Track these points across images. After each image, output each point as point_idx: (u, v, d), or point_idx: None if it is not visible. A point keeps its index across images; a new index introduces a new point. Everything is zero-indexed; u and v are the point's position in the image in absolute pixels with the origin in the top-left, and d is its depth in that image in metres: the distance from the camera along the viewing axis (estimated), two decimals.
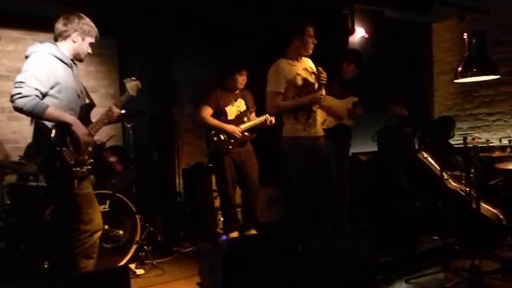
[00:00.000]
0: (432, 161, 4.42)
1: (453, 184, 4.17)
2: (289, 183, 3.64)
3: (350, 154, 4.68)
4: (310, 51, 3.63)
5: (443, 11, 5.54)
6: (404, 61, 5.99)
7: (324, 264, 2.83)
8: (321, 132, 3.69)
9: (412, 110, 4.73)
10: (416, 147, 5.22)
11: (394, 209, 4.23)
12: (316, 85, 3.57)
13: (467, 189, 3.74)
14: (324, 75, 3.50)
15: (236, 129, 4.11)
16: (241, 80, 4.22)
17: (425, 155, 4.48)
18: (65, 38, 2.71)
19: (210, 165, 4.77)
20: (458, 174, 4.23)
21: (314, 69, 3.67)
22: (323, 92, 3.55)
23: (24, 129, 4.40)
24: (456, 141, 5.54)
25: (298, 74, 3.59)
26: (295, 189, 3.60)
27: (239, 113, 4.25)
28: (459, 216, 3.88)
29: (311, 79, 3.63)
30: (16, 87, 2.44)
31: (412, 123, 5.23)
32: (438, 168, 4.28)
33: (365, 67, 4.87)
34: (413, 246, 3.72)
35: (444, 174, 4.09)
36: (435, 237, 3.89)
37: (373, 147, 5.09)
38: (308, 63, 3.73)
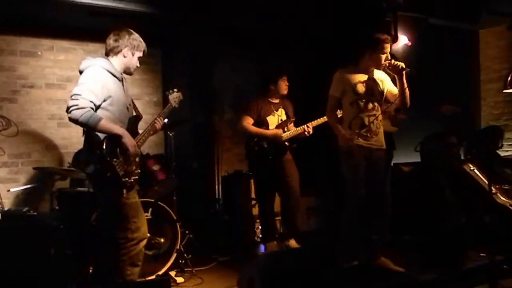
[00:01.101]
0: (479, 174, 4.27)
1: (501, 198, 4.01)
2: (337, 192, 3.62)
3: (392, 164, 4.58)
4: (382, 67, 3.55)
5: (490, 17, 5.34)
6: (449, 69, 5.82)
7: (364, 282, 2.77)
8: (379, 145, 3.59)
9: (458, 119, 4.59)
10: (462, 158, 5.05)
11: (439, 223, 4.10)
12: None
13: None
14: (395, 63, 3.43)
15: (278, 131, 4.11)
16: (284, 86, 4.22)
17: (472, 167, 4.33)
18: (116, 53, 2.80)
19: (249, 173, 4.79)
20: (508, 188, 4.07)
21: (382, 79, 3.60)
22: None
23: (73, 136, 4.59)
24: (505, 152, 5.32)
25: (361, 82, 3.56)
26: (343, 198, 3.57)
27: (280, 122, 4.25)
28: (508, 232, 3.72)
29: (376, 89, 3.58)
30: (73, 99, 2.54)
31: (458, 132, 5.06)
32: (486, 181, 4.13)
33: (408, 75, 4.76)
34: (458, 263, 3.59)
35: (493, 187, 3.94)
36: (482, 254, 3.74)
37: (416, 158, 4.96)
38: (377, 74, 3.63)
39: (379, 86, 3.60)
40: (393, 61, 3.47)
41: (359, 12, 4.94)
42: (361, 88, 3.55)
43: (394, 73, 3.51)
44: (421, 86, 5.33)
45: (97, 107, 2.62)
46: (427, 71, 5.49)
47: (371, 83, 3.58)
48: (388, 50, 3.52)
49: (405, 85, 3.49)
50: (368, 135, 3.54)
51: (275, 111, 4.25)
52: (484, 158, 4.55)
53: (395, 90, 3.59)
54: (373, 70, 3.62)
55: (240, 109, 4.44)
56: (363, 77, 3.58)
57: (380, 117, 3.59)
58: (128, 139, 2.64)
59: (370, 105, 3.56)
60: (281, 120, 4.26)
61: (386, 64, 3.48)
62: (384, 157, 3.67)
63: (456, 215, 4.18)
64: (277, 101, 4.30)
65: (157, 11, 4.16)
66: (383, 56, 3.50)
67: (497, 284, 3.25)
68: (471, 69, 6.48)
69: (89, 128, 2.60)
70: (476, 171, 4.27)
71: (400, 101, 3.57)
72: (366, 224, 3.59)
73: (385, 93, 3.62)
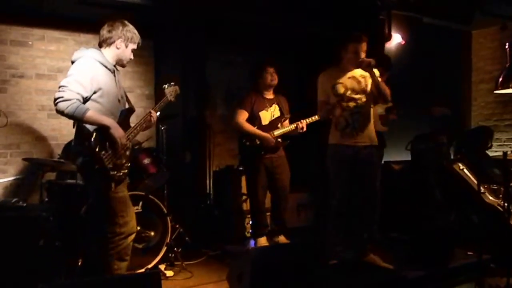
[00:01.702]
0: (468, 173, 4.30)
1: (490, 198, 4.04)
2: (327, 189, 3.65)
3: (382, 162, 4.61)
4: (356, 67, 3.57)
5: (483, 18, 5.38)
6: (441, 68, 5.86)
7: (353, 278, 2.79)
8: (366, 142, 3.59)
9: (448, 119, 4.62)
10: (452, 157, 5.09)
11: (427, 221, 4.14)
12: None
13: (505, 204, 3.63)
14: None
15: (271, 138, 4.10)
16: (270, 77, 4.19)
17: (461, 166, 4.36)
18: (109, 44, 2.77)
19: (240, 168, 4.79)
20: (496, 187, 4.10)
21: (365, 75, 3.61)
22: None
23: (63, 127, 4.54)
24: (494, 152, 5.38)
25: (340, 83, 3.58)
26: (331, 196, 3.60)
27: (272, 118, 4.24)
28: (496, 232, 3.76)
29: (357, 86, 3.60)
30: (59, 91, 2.52)
31: (448, 132, 5.11)
32: (475, 180, 4.17)
33: (401, 74, 4.78)
34: (445, 261, 3.63)
35: (481, 187, 3.98)
36: (469, 253, 3.79)
37: (406, 156, 5.00)
38: (360, 71, 3.63)
39: (361, 83, 3.61)
40: (362, 58, 3.48)
41: (353, 10, 4.95)
42: (340, 88, 3.58)
43: (365, 70, 3.52)
44: (413, 84, 5.39)
45: (86, 99, 2.60)
46: (419, 70, 5.53)
47: (351, 82, 3.60)
48: (362, 48, 3.52)
49: (378, 80, 3.51)
50: (354, 133, 3.56)
51: (268, 107, 4.24)
52: (474, 158, 4.58)
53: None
54: (353, 69, 3.63)
55: (233, 104, 4.42)
56: (342, 77, 3.60)
57: (366, 114, 3.60)
58: (116, 131, 2.61)
59: (352, 103, 3.57)
60: (274, 116, 4.26)
61: (357, 62, 3.49)
62: (375, 153, 3.67)
63: (445, 214, 4.23)
64: (271, 96, 4.29)
65: (150, 2, 4.13)
66: (354, 56, 3.51)
67: (483, 282, 3.30)
68: (463, 69, 6.53)
69: (76, 120, 2.58)
70: (465, 170, 4.31)
71: (378, 97, 3.59)
72: (355, 221, 3.62)
73: (368, 89, 3.62)
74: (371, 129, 3.66)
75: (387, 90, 3.56)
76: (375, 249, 3.70)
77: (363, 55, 3.53)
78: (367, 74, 3.62)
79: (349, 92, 3.58)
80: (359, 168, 3.55)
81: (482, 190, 4.00)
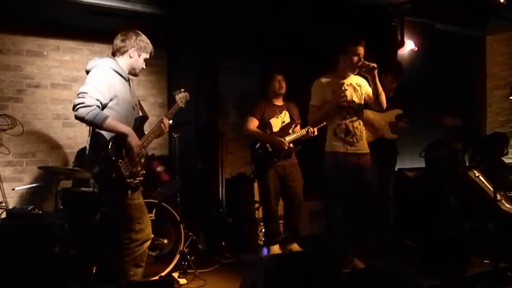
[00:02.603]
0: (484, 180, 4.24)
1: (506, 205, 3.99)
2: (329, 198, 3.64)
3: (396, 169, 4.57)
4: (356, 71, 3.56)
5: (498, 23, 5.33)
6: (455, 74, 5.81)
7: (366, 287, 2.76)
8: (364, 150, 3.61)
9: (463, 125, 4.57)
10: (467, 164, 5.02)
11: (442, 229, 4.08)
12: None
13: None
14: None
15: (283, 142, 4.10)
16: (278, 85, 4.21)
17: (477, 173, 4.30)
18: (122, 53, 2.81)
19: (253, 176, 4.78)
20: None
21: (360, 83, 3.62)
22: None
23: (78, 135, 4.60)
24: (510, 159, 5.29)
25: (338, 90, 3.55)
26: (335, 204, 3.58)
27: (283, 125, 4.24)
28: None
29: (355, 94, 3.59)
30: (79, 97, 2.54)
31: (463, 139, 5.04)
32: (491, 188, 4.10)
33: (414, 81, 4.74)
34: (461, 270, 3.57)
35: (497, 194, 3.91)
36: (485, 261, 3.72)
37: (420, 163, 4.95)
38: (356, 80, 3.66)
39: (358, 92, 3.61)
40: (364, 61, 3.47)
41: (366, 17, 4.95)
42: (347, 94, 3.55)
43: (366, 73, 3.51)
44: (426, 91, 5.34)
45: (104, 106, 2.63)
46: (433, 77, 5.49)
47: (350, 90, 3.58)
48: (360, 52, 3.50)
49: (379, 85, 3.50)
50: (354, 140, 3.54)
51: (278, 113, 4.25)
52: (489, 165, 4.52)
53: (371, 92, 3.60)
54: (350, 76, 3.62)
55: (245, 112, 4.44)
56: (340, 84, 3.57)
57: (361, 123, 3.61)
58: (133, 139, 2.64)
59: (351, 111, 3.57)
60: (284, 122, 4.26)
61: (358, 65, 3.47)
62: (368, 162, 3.65)
63: (460, 222, 4.16)
64: (281, 103, 4.30)
65: (163, 12, 4.18)
66: (355, 59, 3.49)
67: None
68: (477, 76, 6.46)
69: (95, 127, 2.60)
70: (481, 177, 4.25)
71: (375, 102, 3.57)
72: (363, 229, 3.59)
73: (363, 97, 3.63)
74: (365, 138, 3.69)
75: (383, 97, 3.55)
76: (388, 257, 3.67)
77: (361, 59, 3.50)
78: (362, 82, 3.63)
79: (349, 99, 3.56)
80: (361, 175, 3.54)
81: (498, 197, 3.94)
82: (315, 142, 4.17)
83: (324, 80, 3.63)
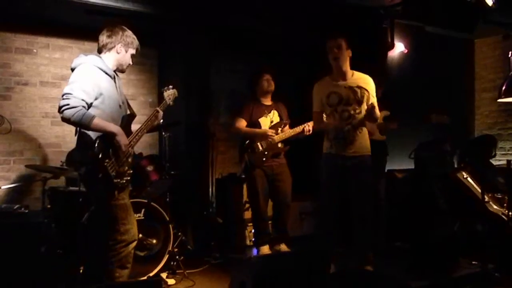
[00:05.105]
0: (472, 182, 4.27)
1: (494, 207, 4.02)
2: (319, 197, 3.64)
3: (385, 170, 4.59)
4: (340, 68, 3.48)
5: (486, 27, 5.39)
6: (444, 77, 5.86)
7: (354, 287, 2.77)
8: (356, 152, 3.50)
9: (451, 127, 4.60)
10: (455, 166, 5.06)
11: (431, 230, 4.11)
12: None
13: (509, 212, 3.60)
14: None
15: (267, 130, 4.11)
16: (266, 84, 4.21)
17: (465, 175, 4.33)
18: (109, 49, 2.79)
19: (242, 176, 4.77)
20: (500, 196, 4.08)
21: (362, 86, 3.54)
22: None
23: (66, 134, 4.56)
24: (498, 161, 5.35)
25: (335, 92, 3.52)
26: (322, 203, 3.60)
27: (272, 124, 4.25)
28: (500, 241, 3.73)
29: (352, 97, 3.50)
30: (64, 99, 2.52)
31: (452, 140, 5.08)
32: (479, 189, 4.13)
33: (403, 82, 4.77)
34: (450, 271, 3.59)
35: (485, 196, 3.95)
36: (473, 262, 3.75)
37: (409, 165, 4.97)
38: (357, 81, 3.54)
39: (357, 94, 3.52)
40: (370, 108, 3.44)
41: (356, 19, 4.96)
42: (333, 98, 3.51)
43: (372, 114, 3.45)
44: (416, 93, 5.38)
45: (89, 106, 2.60)
46: (422, 79, 5.53)
47: (347, 92, 3.50)
48: (333, 45, 3.45)
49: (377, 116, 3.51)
50: (344, 144, 3.48)
51: (267, 113, 4.25)
52: (478, 166, 4.55)
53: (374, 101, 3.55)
54: (349, 76, 3.55)
55: (235, 112, 4.44)
56: (337, 86, 3.53)
57: (357, 126, 3.50)
58: (121, 137, 2.61)
59: (346, 114, 3.49)
60: (273, 122, 4.26)
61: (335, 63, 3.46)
62: (367, 160, 3.56)
63: (449, 223, 4.19)
64: (269, 103, 4.30)
65: (154, 10, 4.16)
66: (330, 56, 3.47)
67: None
68: (466, 78, 6.52)
69: (83, 127, 2.57)
70: (469, 179, 4.28)
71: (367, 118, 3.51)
72: (355, 230, 3.59)
73: (364, 100, 3.51)
74: (365, 138, 3.57)
75: (377, 116, 3.52)
76: (379, 258, 3.67)
77: (342, 52, 3.45)
78: (364, 85, 3.53)
79: (343, 102, 3.50)
80: (349, 178, 3.49)
81: (486, 198, 3.97)
82: (306, 143, 4.19)
83: (319, 84, 3.62)
